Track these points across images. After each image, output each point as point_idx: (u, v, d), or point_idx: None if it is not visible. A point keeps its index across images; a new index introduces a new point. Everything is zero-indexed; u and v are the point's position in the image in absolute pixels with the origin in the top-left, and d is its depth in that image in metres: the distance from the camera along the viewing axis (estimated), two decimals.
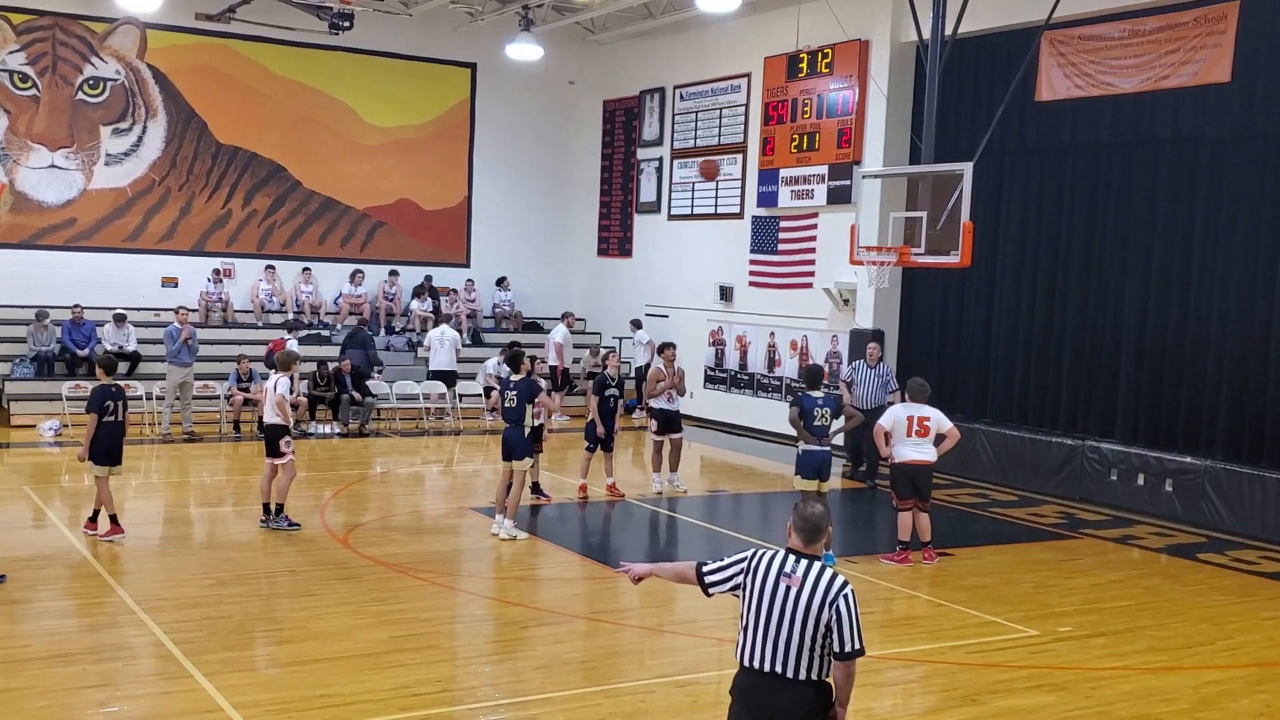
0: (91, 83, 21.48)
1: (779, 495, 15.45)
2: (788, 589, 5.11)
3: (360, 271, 23.33)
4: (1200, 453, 14.95)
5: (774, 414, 19.98)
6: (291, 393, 12.64)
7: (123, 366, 19.79)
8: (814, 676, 5.10)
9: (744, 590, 5.24)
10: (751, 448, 19.84)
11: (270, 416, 12.49)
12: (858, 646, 5.09)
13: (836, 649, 5.07)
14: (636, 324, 22.90)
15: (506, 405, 12.57)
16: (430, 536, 12.76)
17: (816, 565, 5.17)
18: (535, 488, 14.43)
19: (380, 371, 21.00)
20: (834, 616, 5.05)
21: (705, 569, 5.41)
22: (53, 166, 21.29)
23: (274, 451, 12.41)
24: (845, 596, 5.09)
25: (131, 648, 8.71)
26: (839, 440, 13.54)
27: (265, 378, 18.10)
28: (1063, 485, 16.02)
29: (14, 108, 20.95)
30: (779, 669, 5.10)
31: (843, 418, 13.09)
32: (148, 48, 21.83)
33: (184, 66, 22.16)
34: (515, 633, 9.60)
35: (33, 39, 20.99)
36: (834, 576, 5.15)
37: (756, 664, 5.15)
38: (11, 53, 20.84)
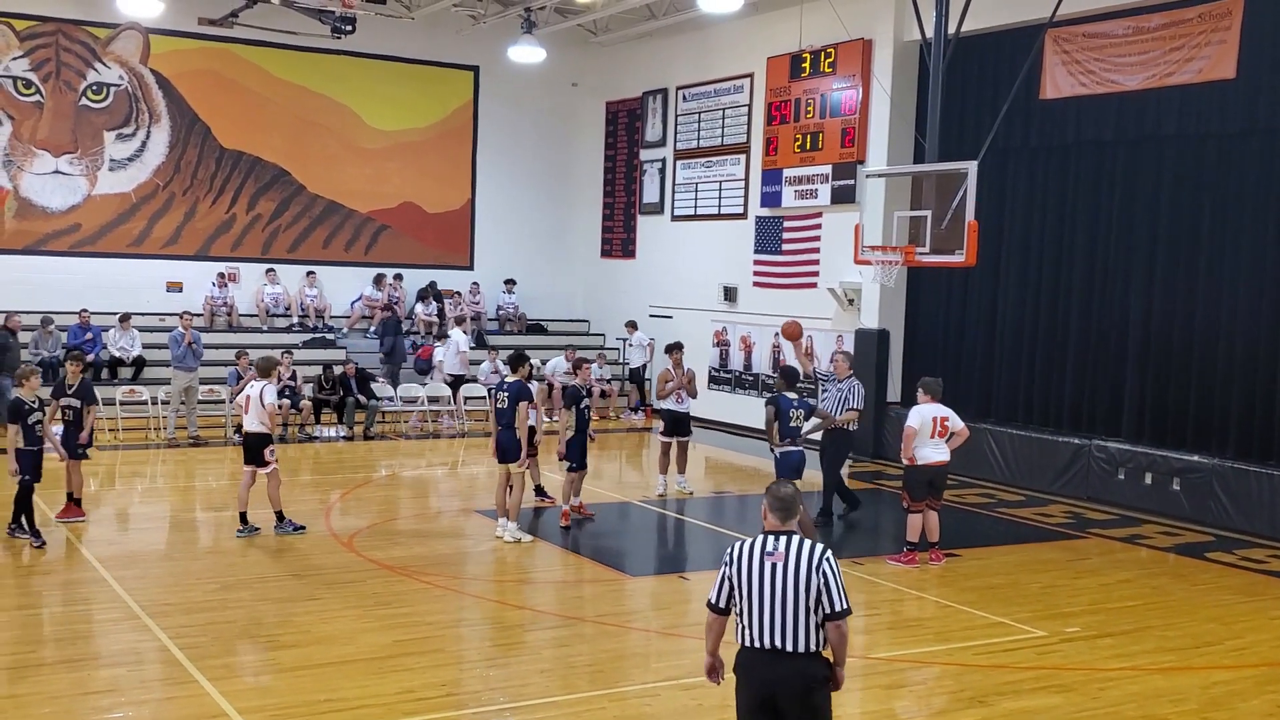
0: (95, 88, 21.49)
1: None
2: (774, 566, 5.37)
3: (383, 274, 23.34)
4: (1208, 451, 14.88)
5: None
6: (276, 398, 12.83)
7: (127, 371, 19.95)
8: (811, 648, 5.37)
9: (732, 580, 5.49)
10: (756, 449, 19.73)
11: (253, 425, 12.41)
12: (846, 605, 5.38)
13: (828, 609, 5.34)
14: (633, 325, 22.87)
15: (499, 406, 12.55)
16: (434, 539, 12.73)
17: (795, 539, 5.43)
18: (539, 490, 14.39)
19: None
20: (822, 580, 5.32)
21: (709, 599, 5.64)
22: (57, 172, 21.31)
23: (256, 459, 12.37)
24: (827, 559, 5.39)
25: (136, 653, 8.69)
26: (816, 436, 13.57)
27: (240, 378, 18.20)
28: (1069, 485, 15.97)
29: (18, 114, 20.96)
30: (778, 644, 5.35)
31: (815, 418, 13.14)
32: (151, 53, 21.85)
33: (187, 71, 22.18)
34: (520, 636, 9.58)
35: (36, 45, 21.01)
36: (813, 545, 5.43)
37: (756, 642, 5.41)
38: (15, 59, 20.85)
